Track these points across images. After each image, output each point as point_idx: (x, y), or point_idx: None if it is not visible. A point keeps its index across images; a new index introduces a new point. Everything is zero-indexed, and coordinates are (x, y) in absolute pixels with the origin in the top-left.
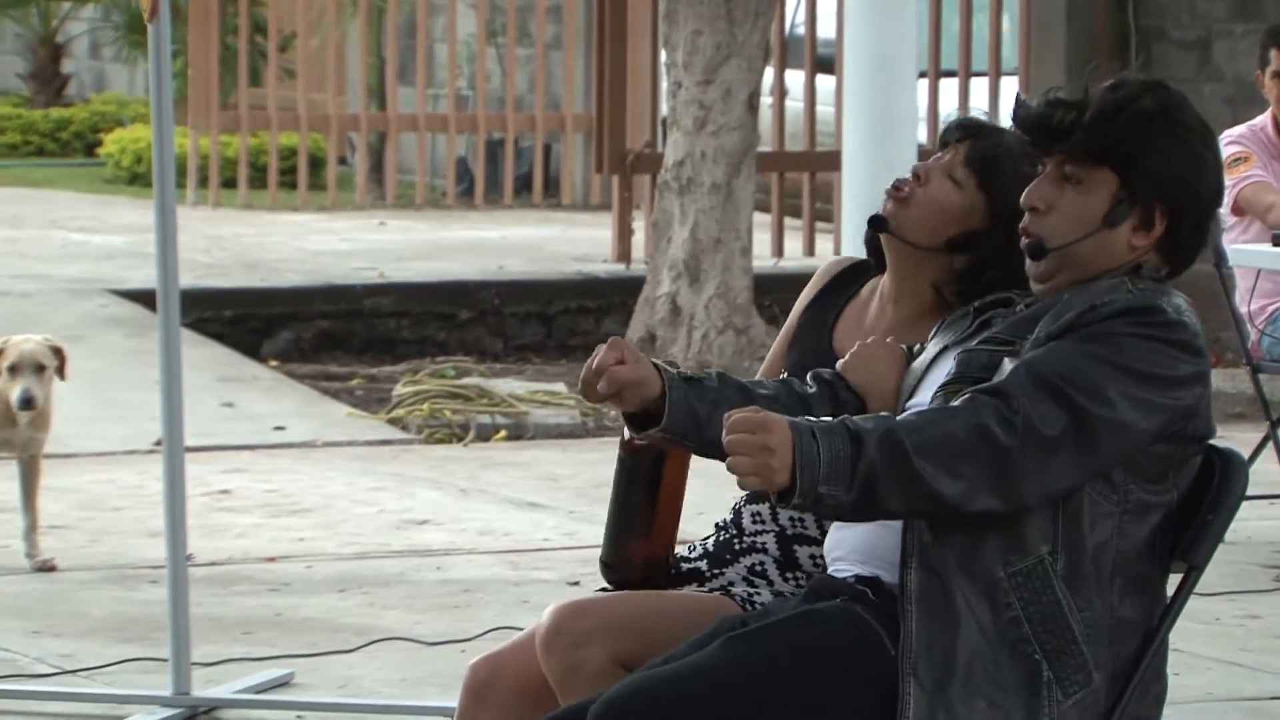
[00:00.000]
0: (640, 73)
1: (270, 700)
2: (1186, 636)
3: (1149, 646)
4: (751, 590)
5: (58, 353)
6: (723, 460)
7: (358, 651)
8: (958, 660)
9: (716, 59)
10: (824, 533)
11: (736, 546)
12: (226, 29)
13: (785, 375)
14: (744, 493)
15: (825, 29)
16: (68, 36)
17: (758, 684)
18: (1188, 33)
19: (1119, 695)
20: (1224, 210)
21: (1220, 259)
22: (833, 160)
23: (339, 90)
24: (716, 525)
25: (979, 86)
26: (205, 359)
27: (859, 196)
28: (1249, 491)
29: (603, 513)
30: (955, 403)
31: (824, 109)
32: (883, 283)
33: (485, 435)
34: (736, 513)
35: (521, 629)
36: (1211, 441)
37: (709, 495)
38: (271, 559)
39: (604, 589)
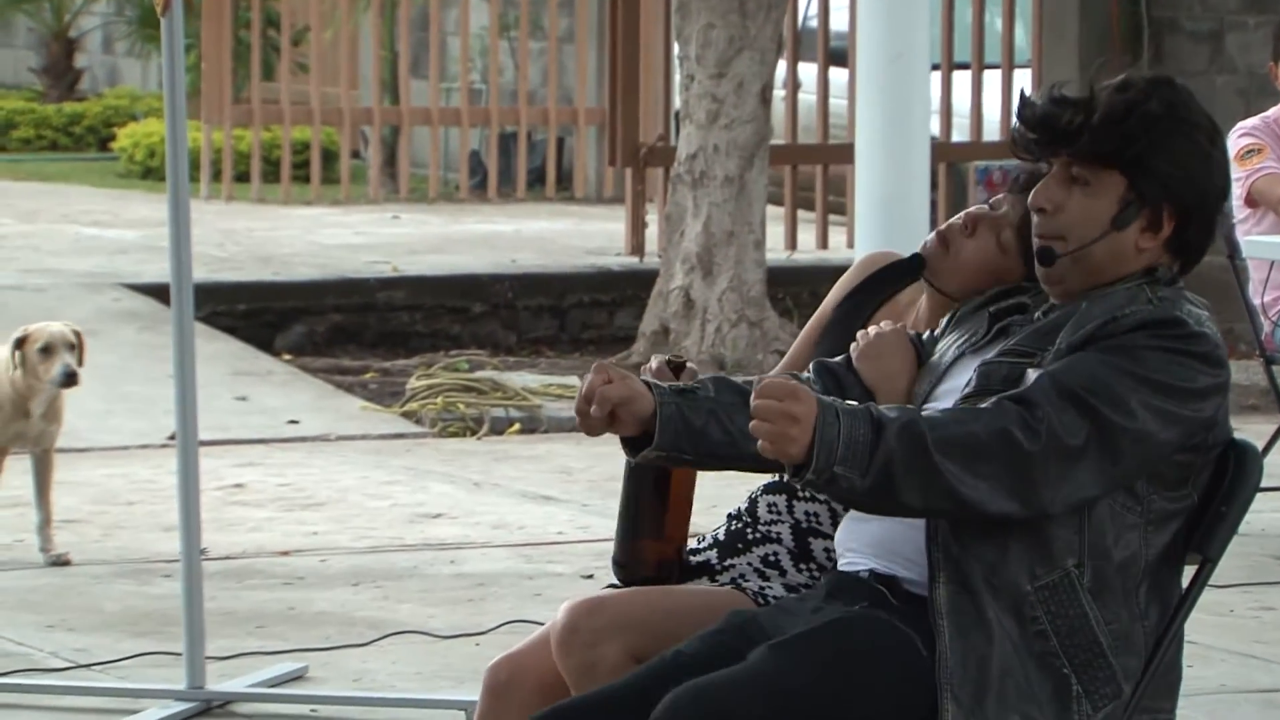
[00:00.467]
0: (653, 66)
1: (284, 694)
2: (1200, 628)
3: (1164, 637)
4: (764, 584)
5: (78, 338)
6: (728, 469)
7: (371, 645)
8: (992, 674)
9: (729, 52)
10: (838, 526)
11: (749, 536)
12: (239, 23)
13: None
14: (760, 483)
15: (838, 21)
16: (80, 31)
17: (807, 698)
18: (1200, 24)
19: (1134, 688)
20: (1237, 202)
21: (1234, 251)
22: (846, 153)
23: (352, 84)
24: (729, 515)
25: (992, 79)
26: (218, 353)
27: (872, 189)
28: (1263, 483)
29: (616, 506)
30: (981, 405)
31: (837, 102)
32: (922, 303)
33: (499, 429)
34: (752, 502)
35: (535, 622)
36: None
37: (722, 489)
38: (285, 553)
39: (613, 585)
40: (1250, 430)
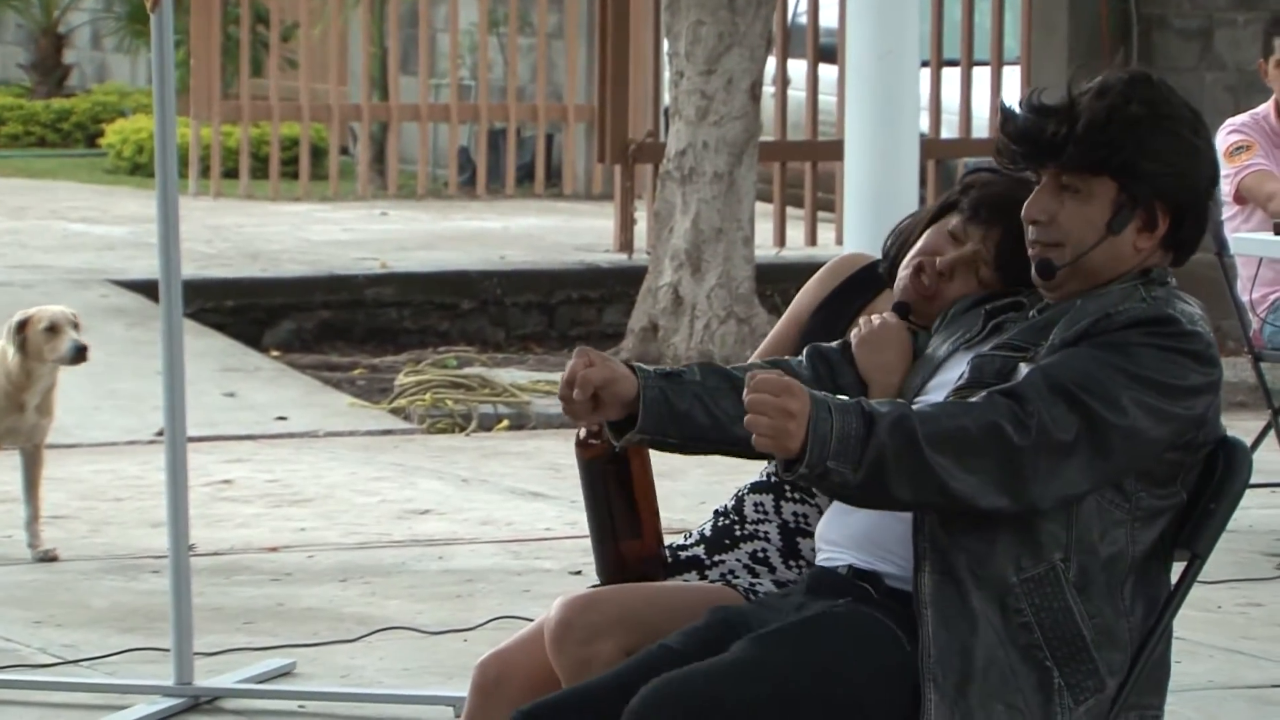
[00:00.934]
0: (642, 62)
1: (272, 690)
2: (1189, 624)
3: (1152, 635)
4: (754, 580)
5: (77, 319)
6: (712, 454)
7: (359, 641)
8: (975, 664)
9: (719, 48)
10: None
11: (737, 532)
12: (228, 19)
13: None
14: (747, 482)
15: (827, 18)
16: (69, 27)
17: (788, 687)
18: (1189, 21)
19: (1123, 683)
20: (1225, 199)
21: (1222, 247)
22: (835, 150)
23: (341, 80)
24: (716, 512)
25: (981, 76)
26: (207, 349)
27: (861, 186)
28: (1252, 480)
29: None
30: (972, 400)
31: (826, 98)
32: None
33: (487, 425)
34: (739, 500)
35: (524, 618)
36: None
37: (710, 485)
38: (273, 549)
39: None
40: (1239, 427)
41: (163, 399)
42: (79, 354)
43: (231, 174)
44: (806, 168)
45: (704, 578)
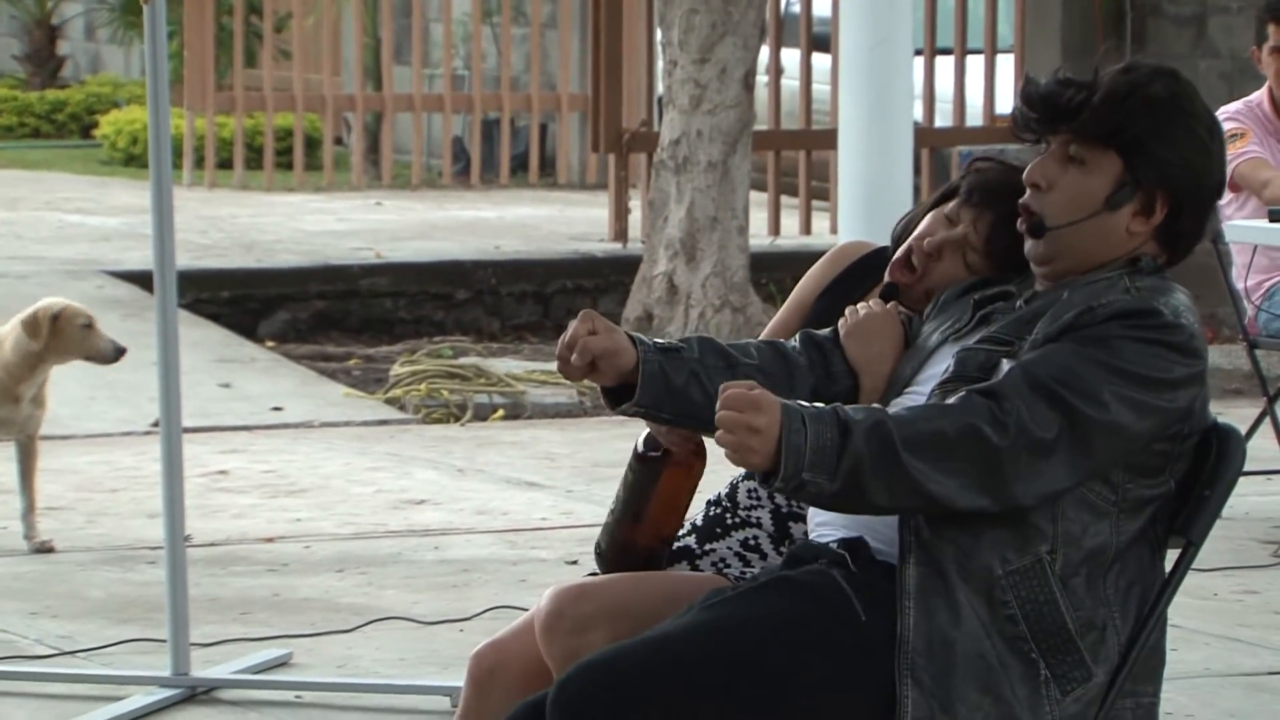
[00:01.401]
0: (636, 51)
1: (269, 680)
2: (1184, 612)
3: (1147, 621)
4: (745, 568)
5: None
6: (700, 430)
7: (356, 631)
8: (957, 657)
9: (712, 37)
10: None
11: (728, 521)
12: (222, 9)
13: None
14: (741, 470)
15: (821, 7)
16: (63, 18)
17: (724, 651)
18: (1183, 8)
19: (1117, 670)
20: None
21: (1216, 235)
22: (829, 139)
23: (334, 70)
24: (709, 501)
25: (975, 64)
26: (202, 340)
27: (855, 175)
28: (1247, 467)
29: (601, 491)
30: (949, 401)
31: (820, 87)
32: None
33: (482, 415)
34: (732, 488)
35: (519, 608)
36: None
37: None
38: (269, 539)
39: (593, 574)
40: (1234, 414)
41: (158, 390)
42: (119, 354)
43: (226, 165)
44: (801, 156)
45: (695, 567)
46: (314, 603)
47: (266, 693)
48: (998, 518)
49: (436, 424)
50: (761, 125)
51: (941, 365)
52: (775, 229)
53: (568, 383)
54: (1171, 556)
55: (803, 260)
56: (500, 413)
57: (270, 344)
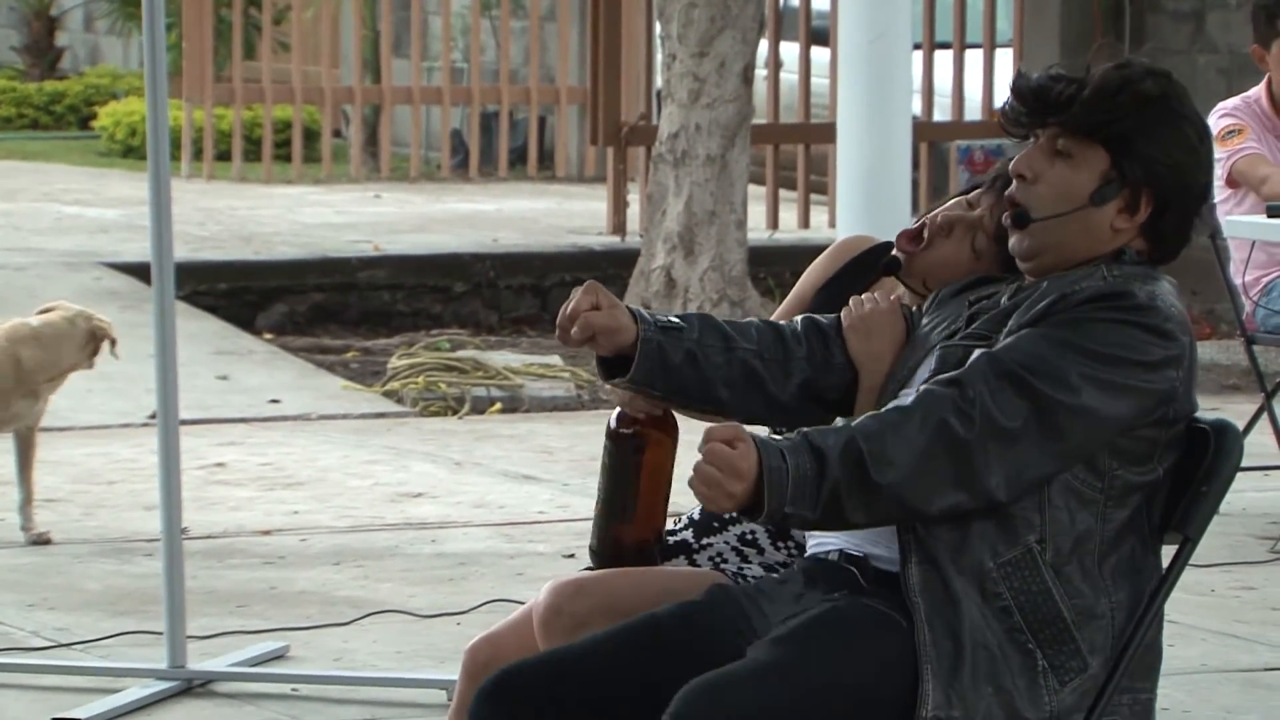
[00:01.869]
0: (635, 45)
1: (265, 673)
2: (1181, 608)
3: (1144, 618)
4: (743, 563)
5: None
6: (687, 409)
7: (352, 624)
8: (964, 647)
9: (711, 31)
10: None
11: (726, 515)
12: (221, 1)
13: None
14: None
15: (820, 1)
16: (62, 9)
17: (814, 686)
18: (1182, 4)
19: (1114, 667)
20: (1218, 182)
21: (1215, 231)
22: (827, 132)
23: (333, 63)
24: None
25: (974, 58)
26: (200, 332)
27: (854, 169)
28: (1244, 463)
29: (597, 485)
30: (911, 399)
31: (819, 81)
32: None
33: (480, 408)
34: None
35: (516, 601)
36: (1206, 413)
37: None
38: (266, 532)
39: (589, 568)
40: (1232, 410)
41: (155, 382)
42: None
43: (224, 157)
44: (799, 150)
45: (692, 562)
46: (311, 596)
47: (263, 685)
48: (984, 511)
49: (434, 417)
50: (760, 119)
51: (929, 367)
52: (774, 223)
53: (565, 376)
54: (1168, 552)
55: (801, 254)
56: (498, 406)
57: (268, 336)
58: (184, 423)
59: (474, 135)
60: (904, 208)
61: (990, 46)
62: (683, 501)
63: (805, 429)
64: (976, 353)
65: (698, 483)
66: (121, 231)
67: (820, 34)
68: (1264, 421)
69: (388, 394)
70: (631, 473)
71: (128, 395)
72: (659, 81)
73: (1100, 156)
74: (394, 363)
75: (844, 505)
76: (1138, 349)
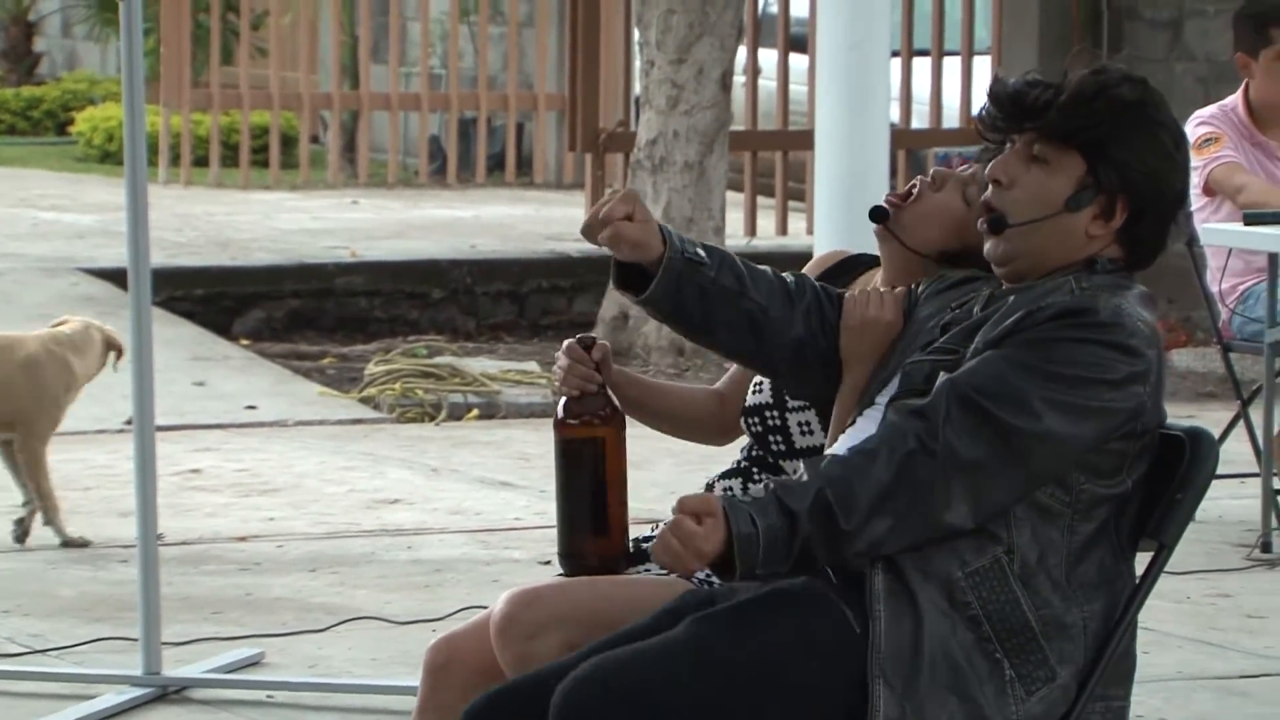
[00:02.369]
0: (613, 51)
1: (240, 680)
2: (1157, 615)
3: (1118, 626)
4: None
5: None
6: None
7: (328, 631)
8: (925, 658)
9: (689, 38)
10: None
11: None
12: (199, 6)
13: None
14: (717, 470)
15: (798, 8)
16: (39, 15)
17: (723, 665)
18: (1160, 12)
19: (1087, 675)
20: (1195, 190)
21: (1191, 238)
22: (805, 139)
23: (311, 68)
24: None
25: (952, 66)
26: (176, 338)
27: (832, 176)
28: (1220, 470)
29: None
30: (875, 437)
31: (797, 88)
32: (876, 280)
33: (457, 414)
34: (708, 487)
35: None
36: (1182, 420)
37: (681, 475)
38: (242, 538)
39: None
40: (1208, 417)
41: (131, 388)
42: None
43: (202, 162)
44: (777, 157)
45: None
46: (286, 602)
47: (238, 692)
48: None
49: (411, 423)
50: (738, 126)
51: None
52: (751, 229)
53: (542, 382)
54: (1143, 560)
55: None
56: (475, 412)
57: (245, 342)
58: (160, 429)
59: (452, 141)
60: None
61: (968, 54)
62: (660, 509)
63: (774, 484)
64: (941, 378)
65: (660, 551)
66: (98, 237)
67: (799, 41)
68: (1240, 429)
69: (364, 400)
70: (597, 485)
71: (104, 401)
72: (637, 88)
73: (1076, 162)
74: (371, 369)
75: (815, 554)
76: (1102, 367)
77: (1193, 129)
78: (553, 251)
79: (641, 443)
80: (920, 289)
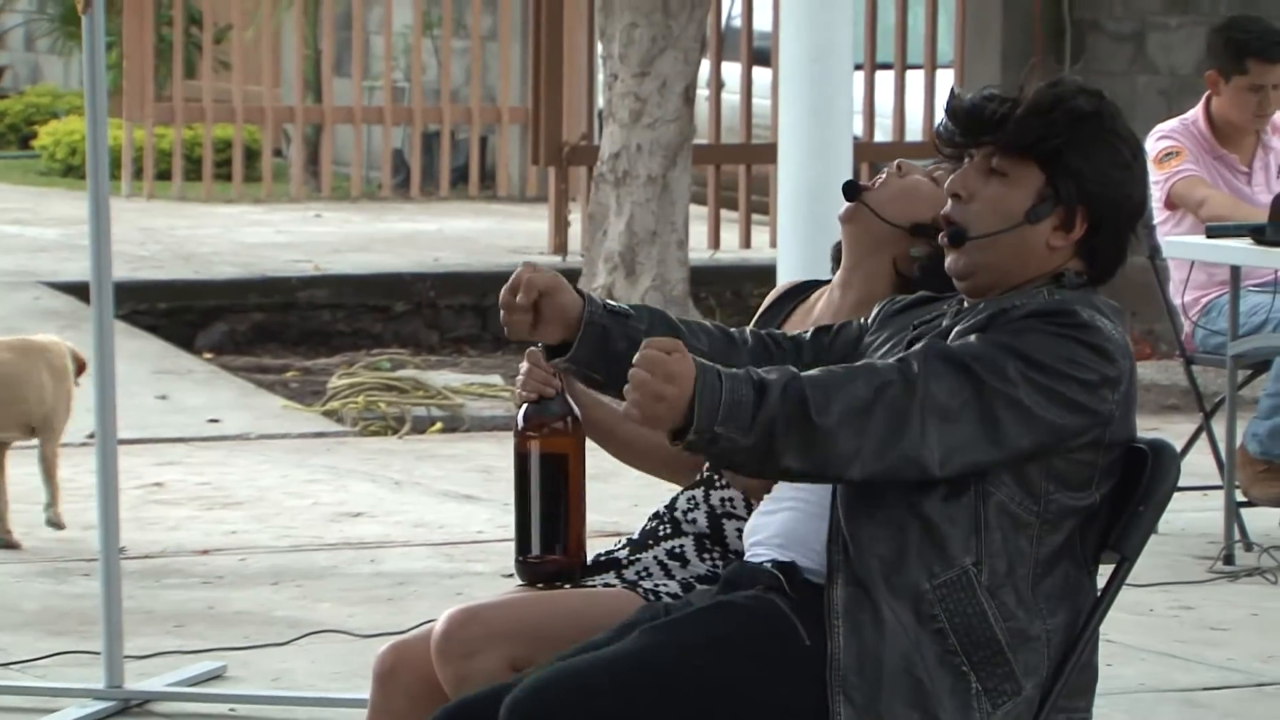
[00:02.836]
0: (576, 65)
1: (203, 693)
2: (1120, 627)
3: (1080, 637)
4: (666, 578)
5: None
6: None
7: (291, 644)
8: (886, 673)
9: (652, 51)
10: (751, 511)
11: (661, 532)
12: (161, 20)
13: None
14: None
15: (762, 21)
16: (2, 28)
17: (667, 674)
18: (1122, 25)
19: (1049, 687)
20: (1156, 205)
21: (1154, 251)
22: (769, 153)
23: (274, 82)
24: (652, 514)
25: (915, 79)
26: (139, 351)
27: (795, 189)
28: (1182, 483)
29: None
30: (853, 369)
31: (760, 102)
32: (837, 275)
33: (420, 428)
34: (674, 498)
35: None
36: (1144, 433)
37: (644, 488)
38: (204, 552)
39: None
40: (1171, 430)
41: (94, 401)
42: None
43: (164, 176)
44: (740, 170)
45: (621, 576)
46: (249, 615)
47: (201, 705)
48: (922, 530)
49: (374, 436)
50: (702, 139)
51: None
52: (715, 243)
53: (505, 395)
54: (1106, 572)
55: (743, 274)
56: (438, 425)
57: (208, 356)
58: (123, 442)
59: (415, 155)
60: None
61: (931, 67)
62: (624, 521)
63: (749, 366)
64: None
65: (629, 389)
66: (61, 251)
67: (762, 55)
68: (1203, 441)
69: (328, 414)
70: (555, 494)
71: None
72: (600, 101)
73: (1034, 174)
74: (334, 382)
75: (778, 440)
76: (1076, 364)
77: (1153, 143)
78: (516, 265)
79: (605, 455)
80: (874, 313)
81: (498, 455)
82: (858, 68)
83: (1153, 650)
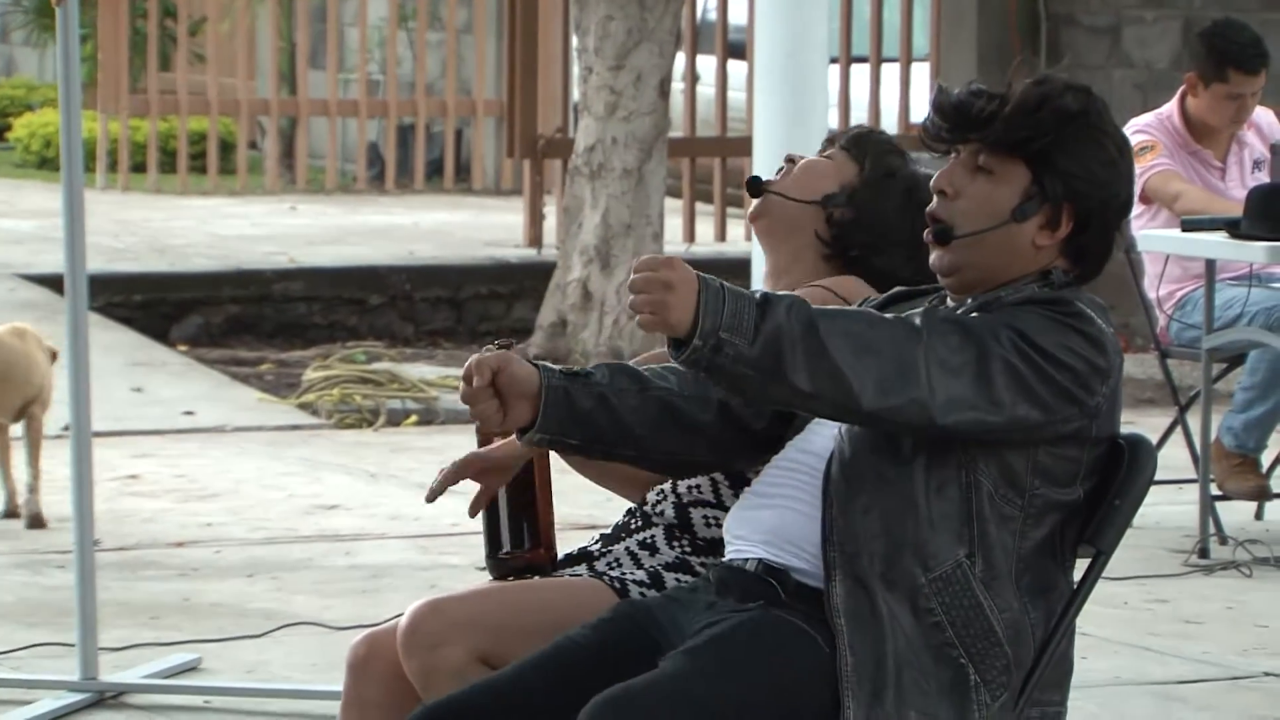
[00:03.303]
0: (552, 57)
1: (178, 685)
2: (1095, 620)
3: (1056, 630)
4: (636, 567)
5: None
6: (617, 458)
7: (266, 636)
8: (888, 670)
9: (628, 44)
10: (719, 497)
11: (634, 525)
12: (136, 13)
13: None
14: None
15: (737, 14)
16: None
17: (729, 696)
18: (1098, 19)
19: (1025, 680)
20: None
21: (1129, 245)
22: (744, 146)
23: (249, 74)
24: (627, 510)
25: (890, 73)
26: (114, 343)
27: None
28: (1158, 476)
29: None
30: (856, 312)
31: (735, 95)
32: (764, 278)
33: (396, 420)
34: (644, 496)
35: None
36: (1120, 427)
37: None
38: (180, 544)
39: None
40: (1146, 424)
41: (69, 393)
42: None
43: (139, 168)
44: (716, 164)
45: (592, 568)
46: (224, 607)
47: (175, 697)
48: (915, 525)
49: (349, 429)
50: (677, 132)
51: None
52: (690, 236)
53: None
54: (1082, 565)
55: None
56: (413, 418)
57: (183, 348)
58: (97, 434)
59: (390, 147)
60: None
61: (907, 61)
62: (599, 514)
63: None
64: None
65: (634, 297)
66: (36, 243)
67: (737, 48)
68: (1178, 435)
69: (303, 406)
70: (526, 503)
71: None
72: (576, 94)
73: (1021, 172)
74: (309, 375)
75: (785, 354)
76: (1070, 352)
77: (1128, 137)
78: (491, 258)
79: None
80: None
81: (473, 448)
82: (833, 61)
83: (1127, 643)
